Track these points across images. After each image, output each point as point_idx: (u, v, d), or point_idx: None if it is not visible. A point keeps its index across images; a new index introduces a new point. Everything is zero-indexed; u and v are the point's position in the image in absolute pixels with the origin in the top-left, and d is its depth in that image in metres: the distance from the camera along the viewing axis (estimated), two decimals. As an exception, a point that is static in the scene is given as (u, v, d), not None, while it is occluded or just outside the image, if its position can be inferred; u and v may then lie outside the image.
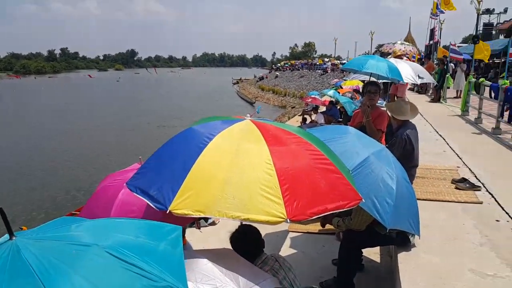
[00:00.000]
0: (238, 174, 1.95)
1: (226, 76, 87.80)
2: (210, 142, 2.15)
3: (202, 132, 2.26)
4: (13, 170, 15.38)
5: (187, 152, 2.14)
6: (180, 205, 1.87)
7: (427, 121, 9.53)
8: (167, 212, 1.88)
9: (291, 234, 4.84)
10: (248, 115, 2.60)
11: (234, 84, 68.02)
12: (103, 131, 24.21)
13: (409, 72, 5.54)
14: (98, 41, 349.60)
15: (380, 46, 49.87)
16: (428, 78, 5.96)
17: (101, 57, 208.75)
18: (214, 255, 2.03)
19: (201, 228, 6.11)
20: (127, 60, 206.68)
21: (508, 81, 8.14)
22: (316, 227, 4.70)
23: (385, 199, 2.82)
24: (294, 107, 32.12)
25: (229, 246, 2.47)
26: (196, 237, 5.25)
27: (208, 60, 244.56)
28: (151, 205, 1.99)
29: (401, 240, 3.35)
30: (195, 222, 5.26)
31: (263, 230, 2.60)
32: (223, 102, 41.32)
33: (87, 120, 28.52)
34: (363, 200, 2.21)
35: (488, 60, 22.51)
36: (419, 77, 5.63)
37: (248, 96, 45.75)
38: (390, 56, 17.12)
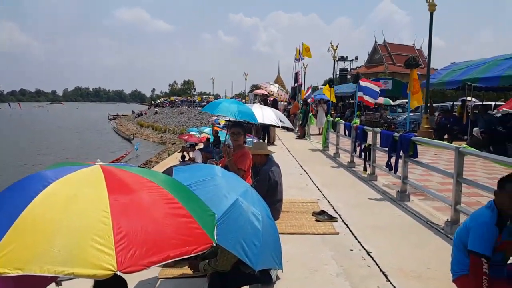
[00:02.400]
0: (69, 224, 1.78)
1: (101, 112, 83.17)
2: (45, 188, 1.94)
3: (41, 178, 2.05)
4: None
5: (17, 200, 1.90)
6: (-5, 263, 1.63)
7: (293, 156, 10.24)
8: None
9: (162, 281, 4.55)
10: (99, 160, 2.41)
11: (111, 120, 64.71)
12: None
13: (273, 116, 6.19)
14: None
15: (255, 85, 53.05)
16: (287, 123, 6.77)
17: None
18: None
19: (62, 284, 5.37)
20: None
21: (358, 120, 9.28)
22: (190, 270, 4.51)
23: (252, 241, 2.87)
24: (174, 143, 31.68)
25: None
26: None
27: (81, 95, 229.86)
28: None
29: (265, 278, 3.40)
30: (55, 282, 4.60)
31: (130, 280, 2.41)
32: (97, 139, 38.73)
33: None
34: (214, 244, 2.17)
35: (345, 100, 25.67)
36: (281, 121, 6.27)
37: (125, 133, 43.86)
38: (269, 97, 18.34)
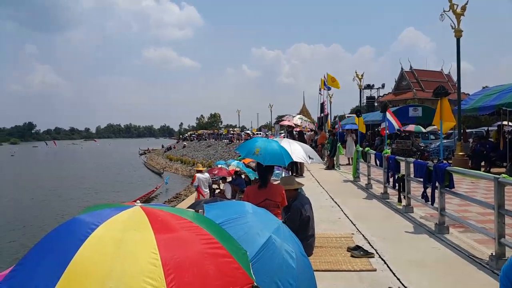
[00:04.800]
0: (120, 266, 1.79)
1: (132, 147, 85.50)
2: (92, 233, 1.96)
3: (86, 222, 2.07)
4: None
5: (67, 244, 1.92)
6: (53, 308, 1.66)
7: (323, 188, 10.07)
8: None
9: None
10: (138, 201, 2.48)
11: (141, 154, 66.27)
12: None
13: (302, 153, 6.09)
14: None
15: (281, 117, 53.27)
16: (317, 159, 6.61)
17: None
18: None
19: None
20: (24, 133, 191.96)
21: (389, 150, 9.10)
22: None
23: (288, 280, 2.80)
24: (202, 176, 31.93)
25: None
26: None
27: (113, 131, 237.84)
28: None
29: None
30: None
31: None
32: (129, 173, 39.66)
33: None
34: (254, 283, 2.16)
35: (374, 128, 25.36)
36: (310, 157, 6.13)
37: (156, 167, 44.64)
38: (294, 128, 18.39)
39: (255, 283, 2.16)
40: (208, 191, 12.00)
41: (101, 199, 23.92)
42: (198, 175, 11.97)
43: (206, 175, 12.40)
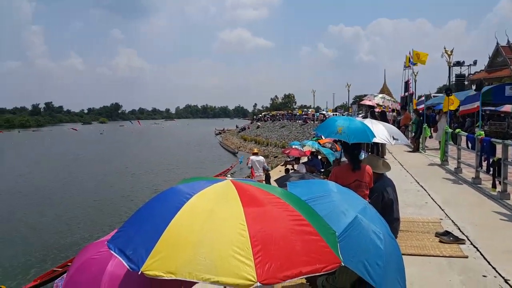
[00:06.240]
0: (211, 235, 1.92)
1: (209, 127, 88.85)
2: (187, 202, 2.12)
3: (181, 192, 2.25)
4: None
5: (164, 211, 2.12)
6: (151, 266, 1.82)
7: (407, 171, 9.55)
8: (139, 273, 1.82)
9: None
10: (229, 175, 2.57)
11: (217, 134, 68.60)
12: (89, 183, 23.72)
13: (385, 133, 5.69)
14: (83, 95, 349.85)
15: (358, 97, 51.17)
16: (403, 140, 5.95)
17: (86, 111, 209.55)
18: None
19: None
20: (111, 113, 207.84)
21: (482, 132, 8.31)
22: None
23: (375, 261, 2.74)
24: (276, 156, 32.33)
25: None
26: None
27: (191, 112, 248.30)
28: (125, 265, 1.94)
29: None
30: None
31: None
32: (206, 152, 41.42)
33: (68, 172, 28.11)
34: (342, 263, 2.13)
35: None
36: (394, 138, 5.70)
37: (230, 146, 46.05)
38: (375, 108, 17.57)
39: (342, 263, 2.12)
40: (262, 173, 12.77)
41: (185, 174, 25.41)
42: (252, 157, 13.04)
43: (261, 158, 13.41)
